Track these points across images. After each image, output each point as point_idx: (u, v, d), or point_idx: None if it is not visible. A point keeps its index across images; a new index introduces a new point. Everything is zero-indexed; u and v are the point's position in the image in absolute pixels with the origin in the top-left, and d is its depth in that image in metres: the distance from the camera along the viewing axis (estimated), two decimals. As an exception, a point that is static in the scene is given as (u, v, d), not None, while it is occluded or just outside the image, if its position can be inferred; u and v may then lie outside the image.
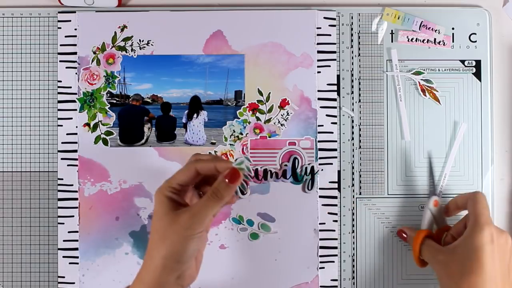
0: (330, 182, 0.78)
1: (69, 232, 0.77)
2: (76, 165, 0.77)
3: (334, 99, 0.78)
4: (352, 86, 0.79)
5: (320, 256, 0.77)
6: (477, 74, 0.79)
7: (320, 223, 0.77)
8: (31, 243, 0.78)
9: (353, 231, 0.78)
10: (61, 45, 0.78)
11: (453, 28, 0.79)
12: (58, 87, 0.78)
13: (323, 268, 0.77)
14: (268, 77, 0.78)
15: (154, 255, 0.62)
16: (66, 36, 0.78)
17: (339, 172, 0.78)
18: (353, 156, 0.79)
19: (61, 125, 0.78)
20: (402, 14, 0.79)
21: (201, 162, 0.65)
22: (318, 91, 0.78)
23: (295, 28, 0.78)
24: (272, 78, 0.78)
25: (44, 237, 0.78)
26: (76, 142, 0.77)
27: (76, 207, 0.77)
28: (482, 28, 0.79)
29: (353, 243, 0.78)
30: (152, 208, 0.76)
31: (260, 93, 0.78)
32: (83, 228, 0.77)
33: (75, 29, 0.78)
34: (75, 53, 0.78)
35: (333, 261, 0.78)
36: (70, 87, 0.78)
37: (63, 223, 0.77)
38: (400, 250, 0.78)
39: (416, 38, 0.79)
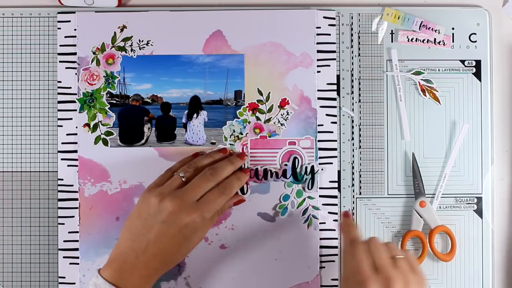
0: (330, 181, 0.78)
1: (69, 232, 0.77)
2: (76, 166, 0.77)
3: (334, 99, 0.78)
4: (352, 86, 0.79)
5: (321, 255, 0.77)
6: (477, 74, 0.79)
7: (320, 223, 0.77)
8: (31, 243, 0.78)
9: (353, 231, 0.78)
10: (60, 45, 0.78)
11: (453, 28, 0.79)
12: (58, 87, 0.78)
13: (324, 267, 0.77)
14: (268, 77, 0.78)
15: None
16: (65, 37, 0.78)
17: (339, 172, 0.78)
18: (353, 156, 0.78)
19: (61, 126, 0.78)
20: (402, 14, 0.78)
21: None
22: (318, 90, 0.78)
23: (294, 28, 0.78)
24: (272, 78, 0.78)
25: (44, 237, 0.78)
26: (76, 143, 0.77)
27: (77, 208, 0.77)
28: (482, 28, 0.79)
29: (353, 243, 0.78)
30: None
31: (260, 92, 0.78)
32: (84, 229, 0.77)
33: (75, 30, 0.78)
34: (74, 54, 0.78)
35: (334, 261, 0.78)
36: (70, 88, 0.78)
37: (63, 224, 0.77)
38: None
39: (416, 38, 0.78)
